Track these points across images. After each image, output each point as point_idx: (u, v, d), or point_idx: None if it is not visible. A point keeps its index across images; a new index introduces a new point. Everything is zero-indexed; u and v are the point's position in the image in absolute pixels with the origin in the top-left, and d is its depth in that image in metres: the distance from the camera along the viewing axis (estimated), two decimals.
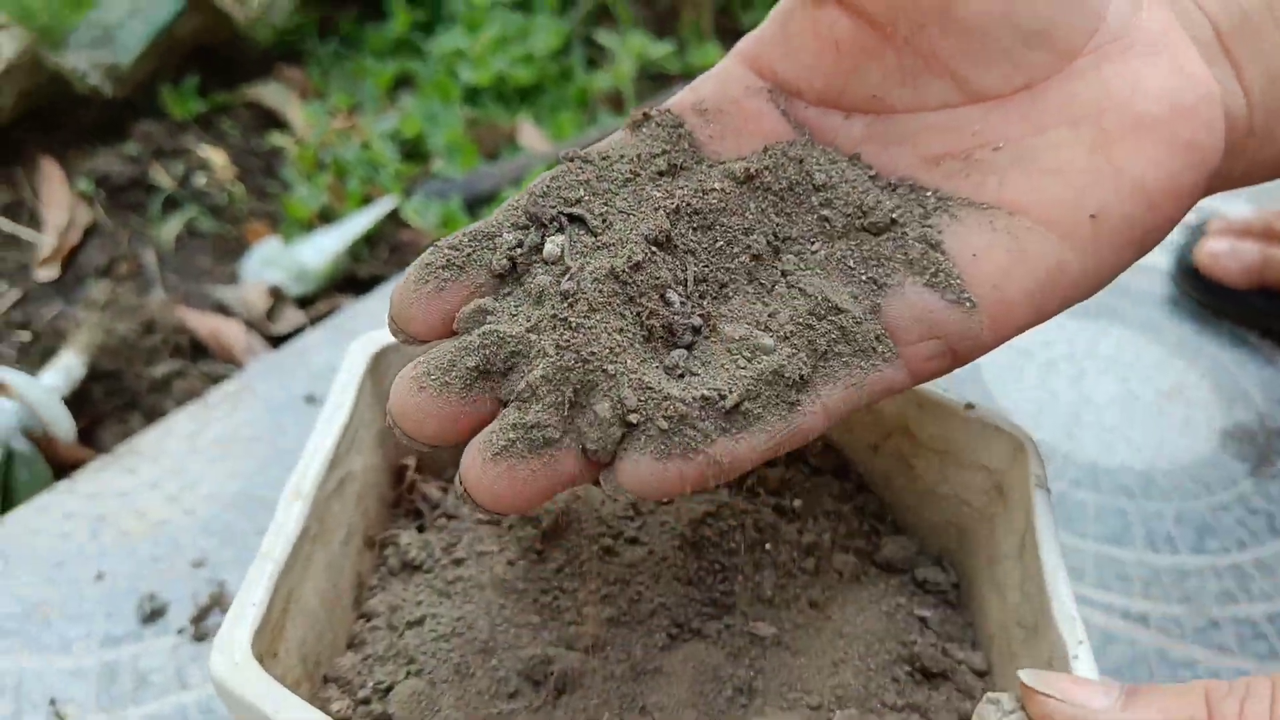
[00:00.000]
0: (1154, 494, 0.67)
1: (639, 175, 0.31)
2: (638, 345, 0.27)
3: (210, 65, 1.20)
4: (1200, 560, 0.63)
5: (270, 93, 1.21)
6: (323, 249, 0.95)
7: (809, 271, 0.30)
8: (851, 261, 0.30)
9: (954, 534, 0.38)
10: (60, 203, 1.03)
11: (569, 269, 0.27)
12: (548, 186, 0.30)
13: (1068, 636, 0.30)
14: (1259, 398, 0.74)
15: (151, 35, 1.13)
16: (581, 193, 0.30)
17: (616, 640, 0.32)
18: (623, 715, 0.31)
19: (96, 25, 1.14)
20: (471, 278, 0.28)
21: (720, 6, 1.38)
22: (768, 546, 0.36)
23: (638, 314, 0.27)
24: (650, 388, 0.26)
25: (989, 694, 0.28)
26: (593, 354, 0.26)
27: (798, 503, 0.38)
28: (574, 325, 0.26)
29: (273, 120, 1.21)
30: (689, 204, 0.30)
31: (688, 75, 1.24)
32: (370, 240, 1.01)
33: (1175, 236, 0.82)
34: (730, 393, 0.26)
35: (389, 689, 0.32)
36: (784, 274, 0.30)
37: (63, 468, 0.73)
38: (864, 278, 0.30)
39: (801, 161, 0.31)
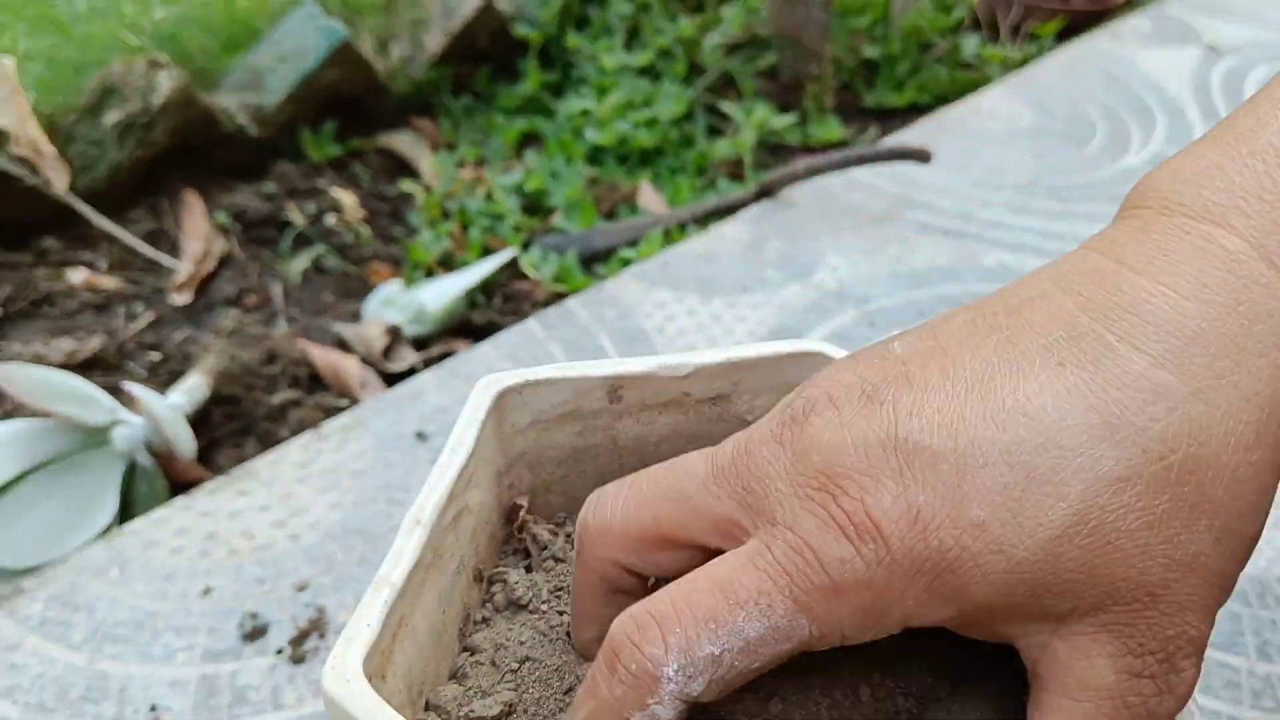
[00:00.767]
0: (1269, 602, 0.64)
1: None
2: None
3: (349, 112, 1.26)
4: None
5: (403, 141, 1.26)
6: (442, 293, 0.98)
7: None
8: None
9: None
10: (199, 233, 1.08)
11: None
12: None
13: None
14: None
15: (297, 81, 1.18)
16: None
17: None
18: None
19: (248, 69, 1.20)
20: None
21: (843, 83, 1.39)
22: None
23: None
24: None
25: None
26: None
27: None
28: None
29: (403, 168, 1.25)
30: None
31: (807, 147, 1.25)
32: (487, 288, 1.03)
33: None
34: None
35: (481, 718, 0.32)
36: None
37: (179, 484, 0.76)
38: None
39: None
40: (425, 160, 1.23)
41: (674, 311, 0.87)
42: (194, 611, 0.60)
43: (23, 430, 0.74)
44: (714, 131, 1.29)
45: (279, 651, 0.58)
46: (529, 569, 0.39)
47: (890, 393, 0.27)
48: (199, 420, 0.83)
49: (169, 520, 0.66)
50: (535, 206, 1.17)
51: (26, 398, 0.73)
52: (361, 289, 1.05)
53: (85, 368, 0.89)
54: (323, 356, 0.91)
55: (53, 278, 1.00)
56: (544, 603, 0.36)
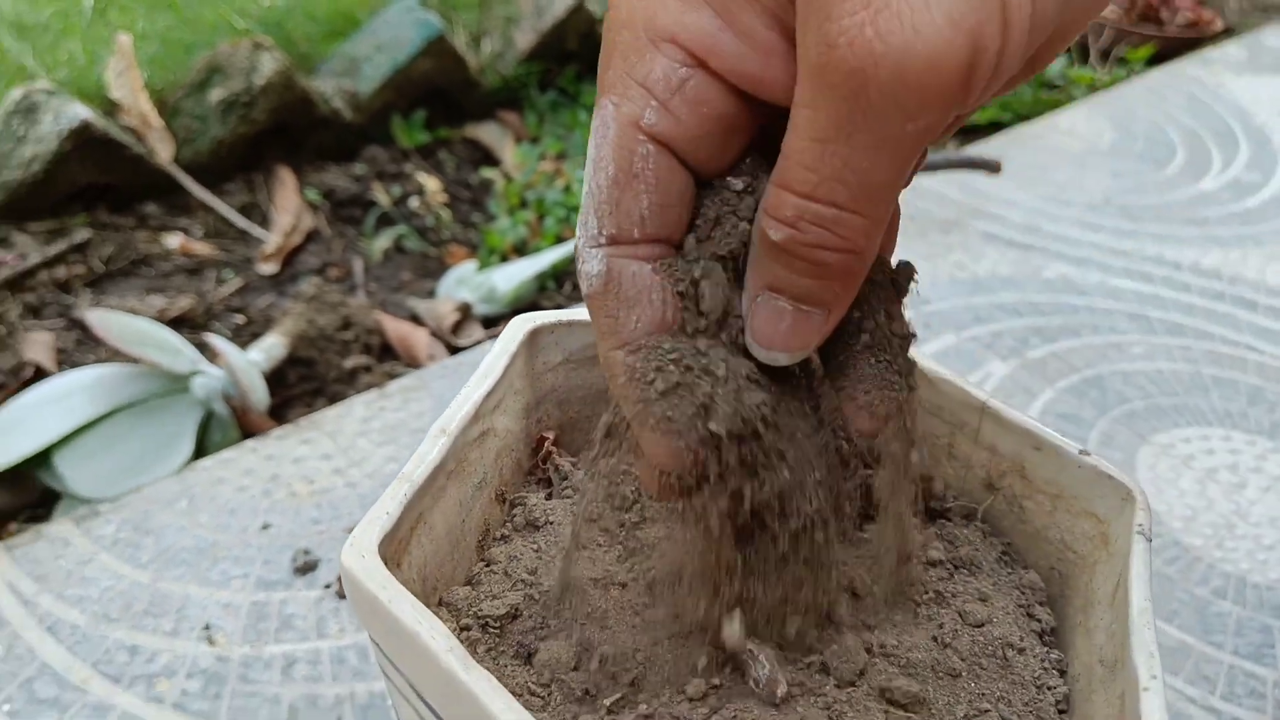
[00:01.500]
0: None
1: None
2: None
3: (439, 102, 1.31)
4: None
5: (488, 132, 1.30)
6: (513, 276, 1.01)
7: None
8: None
9: (1057, 579, 0.38)
10: (289, 208, 1.13)
11: None
12: None
13: (1142, 670, 0.30)
14: None
15: (391, 70, 1.23)
16: None
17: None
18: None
19: (346, 57, 1.25)
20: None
21: None
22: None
23: None
24: None
25: None
26: None
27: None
28: None
29: (487, 157, 1.29)
30: None
31: None
32: (558, 275, 1.07)
33: None
34: None
35: (490, 619, 0.35)
36: None
37: (251, 435, 0.80)
38: None
39: None
40: (509, 151, 1.27)
41: None
42: (252, 544, 0.64)
43: (111, 373, 0.79)
44: None
45: (326, 586, 0.62)
46: (549, 496, 0.41)
47: None
48: (275, 378, 0.88)
49: (237, 461, 0.70)
50: None
51: (117, 342, 0.78)
52: (439, 269, 1.09)
53: (174, 324, 0.95)
54: (395, 327, 0.95)
55: (151, 241, 1.07)
56: (559, 525, 0.39)
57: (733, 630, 0.32)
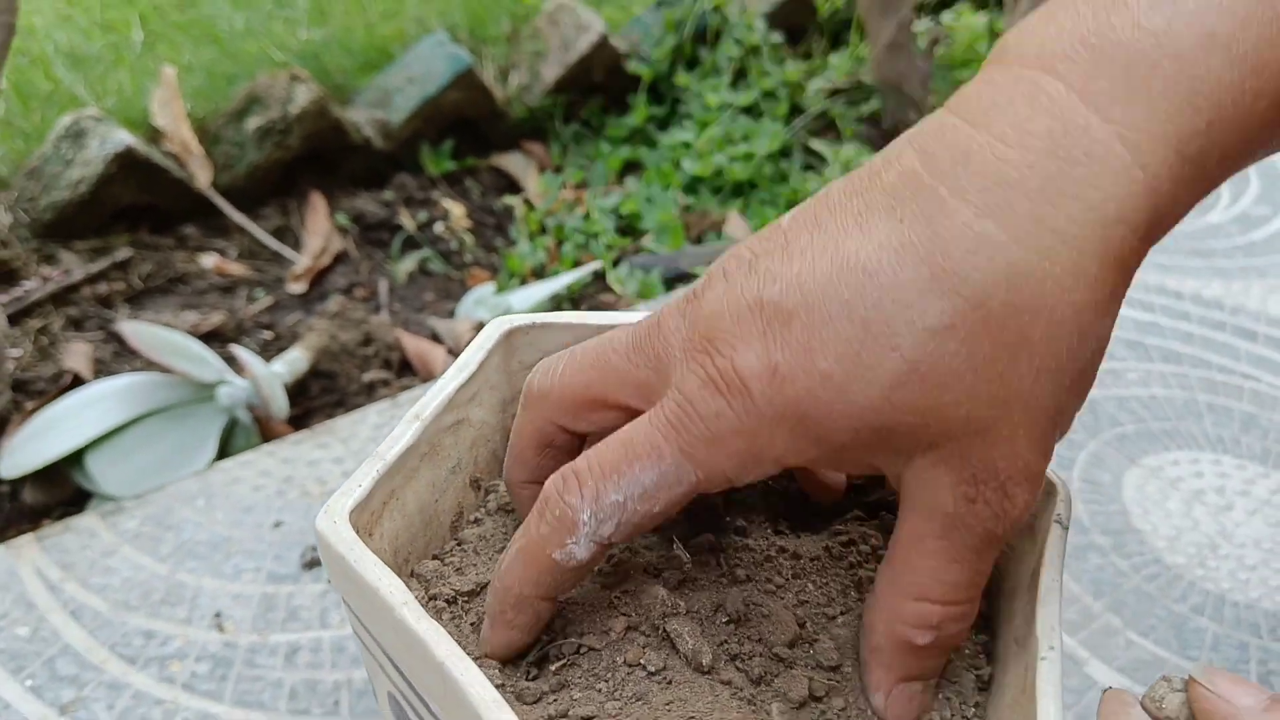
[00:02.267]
0: None
1: None
2: None
3: (467, 132, 1.36)
4: None
5: (514, 162, 1.35)
6: (529, 297, 1.05)
7: None
8: None
9: (994, 572, 0.41)
10: (320, 231, 1.18)
11: None
12: None
13: (1043, 642, 0.32)
14: None
15: (421, 101, 1.29)
16: None
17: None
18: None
19: (379, 88, 1.31)
20: None
21: None
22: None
23: None
24: None
25: (1164, 675, 0.33)
26: None
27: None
28: None
29: (512, 186, 1.34)
30: None
31: None
32: (574, 297, 1.10)
33: None
34: None
35: (458, 592, 0.38)
36: None
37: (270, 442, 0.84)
38: None
39: None
40: (532, 180, 1.32)
41: None
42: (264, 540, 0.68)
43: (141, 381, 0.84)
44: (810, 169, 1.34)
45: (330, 581, 0.65)
46: None
47: (765, 261, 0.31)
48: (298, 390, 0.92)
49: (254, 463, 0.74)
50: (629, 228, 1.24)
51: (149, 352, 0.83)
52: (460, 291, 1.14)
53: (206, 338, 0.99)
54: (414, 344, 0.99)
55: (188, 260, 1.12)
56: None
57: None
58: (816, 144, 1.32)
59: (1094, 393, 0.86)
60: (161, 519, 0.69)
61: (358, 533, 0.34)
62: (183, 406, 0.84)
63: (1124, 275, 0.30)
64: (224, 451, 0.82)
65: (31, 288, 1.02)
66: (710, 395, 0.30)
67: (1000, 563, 0.41)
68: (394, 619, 0.31)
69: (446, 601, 0.38)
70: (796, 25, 1.58)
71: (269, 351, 1.00)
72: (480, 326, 1.01)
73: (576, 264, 1.16)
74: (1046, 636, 0.33)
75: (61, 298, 1.03)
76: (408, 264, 1.16)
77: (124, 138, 1.08)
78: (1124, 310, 0.97)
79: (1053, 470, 0.39)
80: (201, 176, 1.16)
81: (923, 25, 1.52)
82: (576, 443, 0.37)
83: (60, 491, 0.81)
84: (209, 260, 1.12)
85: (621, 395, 0.33)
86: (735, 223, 1.21)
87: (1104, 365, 0.88)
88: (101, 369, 0.94)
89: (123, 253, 1.09)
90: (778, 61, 1.47)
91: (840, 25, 1.59)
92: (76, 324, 1.00)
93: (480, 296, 1.07)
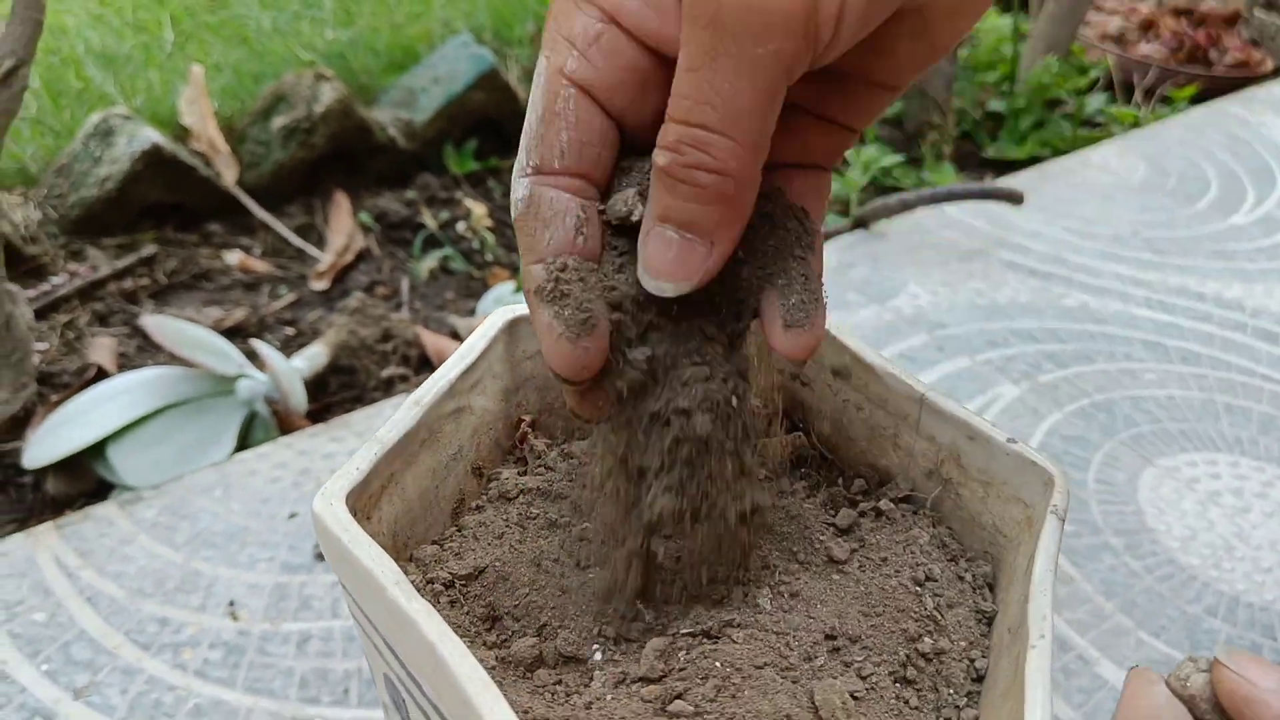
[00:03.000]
0: None
1: None
2: None
3: (490, 132, 1.36)
4: None
5: None
6: None
7: None
8: None
9: (991, 563, 0.41)
10: (343, 229, 1.19)
11: None
12: None
13: (1034, 630, 0.32)
14: None
15: (445, 101, 1.30)
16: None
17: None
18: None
19: (403, 88, 1.32)
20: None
21: (964, 133, 1.42)
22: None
23: None
24: None
25: (1190, 655, 0.34)
26: None
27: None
28: None
29: None
30: None
31: (919, 189, 1.29)
32: None
33: None
34: None
35: (455, 576, 0.38)
36: None
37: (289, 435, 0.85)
38: None
39: None
40: None
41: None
42: (278, 531, 0.69)
43: (163, 374, 0.85)
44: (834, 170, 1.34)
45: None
46: (523, 473, 0.45)
47: None
48: (318, 385, 0.93)
49: (271, 455, 0.75)
50: None
51: (171, 345, 0.84)
52: (481, 290, 1.14)
53: (228, 334, 1.00)
54: (433, 341, 1.00)
55: (212, 257, 1.13)
56: (527, 497, 0.43)
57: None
58: None
59: (1110, 393, 0.85)
60: (179, 509, 0.70)
61: (356, 516, 0.35)
62: (203, 400, 0.85)
63: None
64: (243, 444, 0.83)
65: (59, 283, 1.04)
66: None
67: (998, 555, 0.41)
68: (386, 599, 0.32)
69: (444, 585, 0.38)
70: None
71: (290, 347, 1.01)
72: None
73: None
74: (1038, 626, 0.33)
75: (88, 293, 1.05)
76: (429, 262, 1.17)
77: (151, 136, 1.09)
78: (1143, 311, 0.97)
79: (1052, 463, 0.39)
80: (227, 174, 1.18)
81: None
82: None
83: (82, 482, 0.82)
84: (233, 257, 1.13)
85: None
86: None
87: (1120, 365, 0.87)
88: (125, 363, 0.95)
89: (149, 249, 1.11)
90: None
91: None
92: (102, 319, 1.02)
93: (500, 295, 1.08)
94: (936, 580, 0.40)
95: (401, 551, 0.39)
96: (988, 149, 1.40)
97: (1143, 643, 0.64)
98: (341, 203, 1.22)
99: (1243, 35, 1.68)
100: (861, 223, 1.07)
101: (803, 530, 0.41)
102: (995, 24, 1.51)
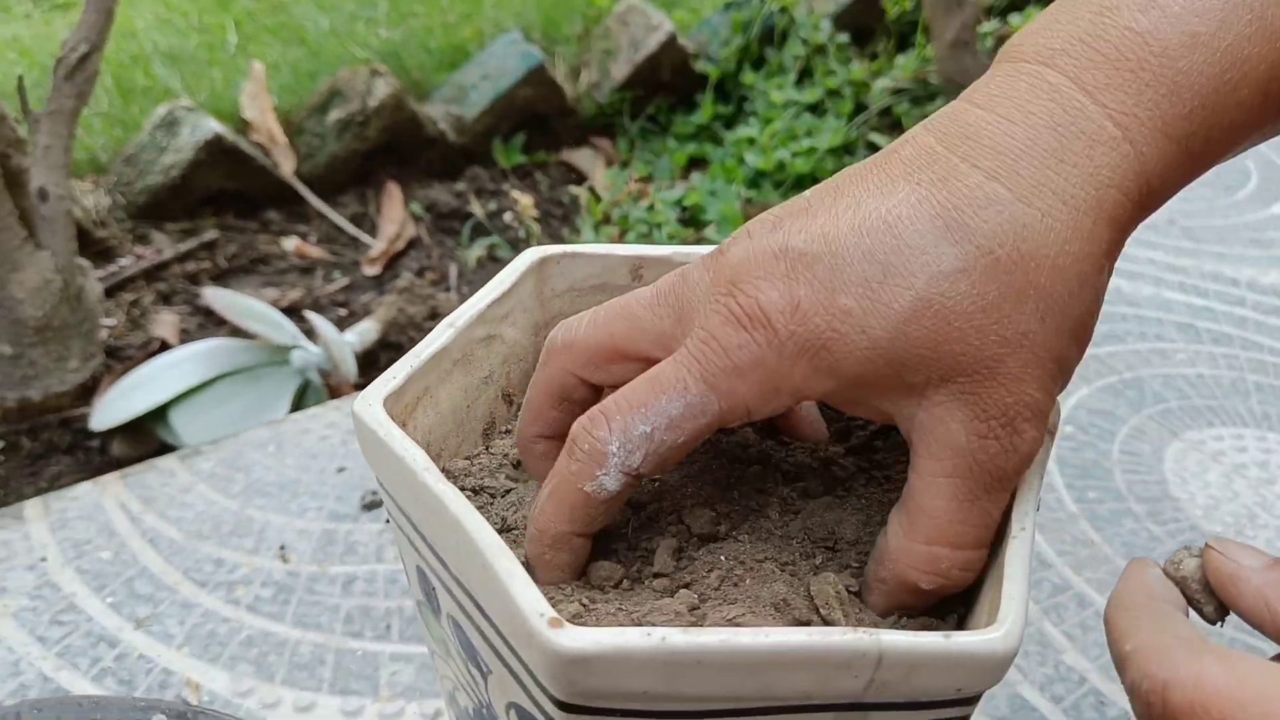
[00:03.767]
0: None
1: None
2: None
3: (538, 127, 1.40)
4: None
5: (582, 157, 1.40)
6: None
7: None
8: None
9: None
10: (395, 218, 1.23)
11: None
12: None
13: (1014, 524, 0.34)
14: None
15: (494, 97, 1.34)
16: None
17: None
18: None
19: (454, 84, 1.37)
20: None
21: None
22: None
23: None
24: None
25: (1185, 545, 0.36)
26: None
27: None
28: None
29: (580, 180, 1.38)
30: None
31: None
32: None
33: None
34: None
35: (484, 488, 0.41)
36: None
37: None
38: None
39: None
40: (599, 173, 1.36)
41: None
42: (327, 483, 0.73)
43: (222, 345, 0.90)
44: None
45: (387, 521, 0.70)
46: None
47: (789, 220, 0.34)
48: (367, 361, 0.97)
49: (322, 416, 0.79)
50: (691, 219, 1.28)
51: (229, 314, 0.89)
52: None
53: (284, 313, 1.05)
54: None
55: (270, 243, 1.18)
56: None
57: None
58: (877, 138, 1.34)
59: (1140, 371, 0.87)
60: (234, 461, 0.74)
61: (392, 420, 0.38)
62: (259, 369, 0.89)
63: (1118, 234, 0.33)
64: (296, 412, 0.87)
65: (126, 264, 1.10)
66: (733, 329, 0.33)
67: None
68: (416, 482, 0.35)
69: (473, 491, 0.41)
70: (864, 27, 1.60)
71: (343, 327, 1.06)
72: None
73: None
74: (1019, 520, 0.35)
75: (152, 274, 1.10)
76: (477, 250, 1.21)
77: (213, 126, 1.15)
78: (1176, 295, 0.98)
79: None
80: (285, 165, 1.23)
81: (989, 25, 1.53)
82: (593, 397, 0.38)
83: (145, 445, 0.87)
84: (290, 243, 1.18)
85: (643, 345, 0.36)
86: None
87: (1151, 345, 0.89)
88: (186, 338, 1.00)
89: (210, 234, 1.16)
90: (843, 61, 1.49)
91: (908, 27, 1.61)
92: (165, 298, 1.07)
93: None
94: None
95: (435, 462, 0.42)
96: None
97: None
98: (394, 193, 1.27)
99: None
100: None
101: (811, 452, 0.44)
102: None
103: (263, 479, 0.73)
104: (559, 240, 1.25)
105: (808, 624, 0.35)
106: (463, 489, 0.41)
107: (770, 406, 0.34)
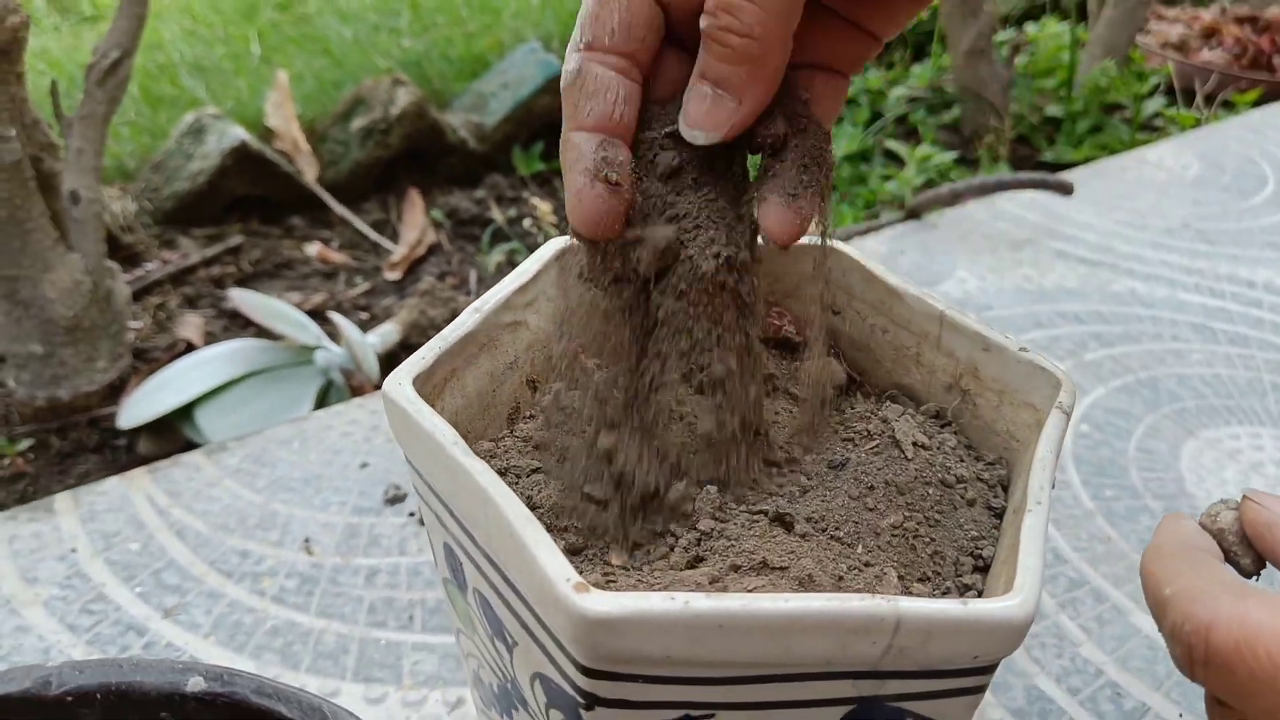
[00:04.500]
0: None
1: None
2: None
3: (556, 136, 1.42)
4: None
5: None
6: None
7: None
8: None
9: (1006, 467, 0.44)
10: (416, 224, 1.25)
11: None
12: None
13: (1031, 498, 0.35)
14: None
15: (514, 105, 1.35)
16: None
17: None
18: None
19: (475, 93, 1.38)
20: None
21: (1020, 136, 1.44)
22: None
23: None
24: None
25: (1222, 498, 0.37)
26: None
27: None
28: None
29: None
30: None
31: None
32: None
33: None
34: None
35: (509, 467, 0.42)
36: None
37: None
38: None
39: None
40: None
41: None
42: (351, 478, 0.74)
43: (247, 345, 0.91)
44: (888, 180, 1.37)
45: (410, 514, 0.71)
46: (572, 388, 0.49)
47: None
48: (388, 361, 0.98)
49: (345, 413, 0.80)
50: None
51: (254, 315, 0.90)
52: None
53: (307, 315, 1.06)
54: None
55: (294, 248, 1.20)
56: (575, 406, 0.46)
57: (677, 490, 0.39)
58: (894, 146, 1.35)
59: (1155, 371, 0.87)
60: (259, 457, 0.76)
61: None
62: (283, 369, 0.90)
63: None
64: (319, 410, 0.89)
65: (152, 269, 1.11)
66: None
67: (1011, 459, 0.44)
68: (445, 456, 0.36)
69: (499, 471, 0.42)
70: None
71: (364, 330, 1.07)
72: None
73: None
74: (1035, 495, 0.36)
75: (179, 278, 1.12)
76: (497, 256, 1.22)
77: (239, 133, 1.17)
78: (1192, 296, 0.98)
79: (1059, 369, 0.42)
80: (309, 172, 1.24)
81: (1005, 35, 1.54)
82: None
83: (171, 444, 0.88)
84: (313, 248, 1.20)
85: None
86: None
87: (1167, 345, 0.89)
88: (212, 340, 1.01)
89: (235, 239, 1.18)
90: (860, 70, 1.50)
91: (924, 36, 1.62)
92: (191, 302, 1.09)
93: None
94: (963, 480, 0.43)
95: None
96: (1045, 152, 1.42)
97: None
98: (415, 199, 1.29)
99: None
100: (914, 213, 1.10)
101: (834, 431, 0.45)
102: (1054, 32, 1.54)
103: (287, 474, 0.74)
104: None
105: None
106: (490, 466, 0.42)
107: None
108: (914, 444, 0.44)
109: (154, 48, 1.46)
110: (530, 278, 0.47)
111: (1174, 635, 0.31)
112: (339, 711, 0.31)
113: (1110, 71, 1.41)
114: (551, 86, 1.36)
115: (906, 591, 0.38)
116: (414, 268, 1.20)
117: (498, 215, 1.27)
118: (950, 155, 1.27)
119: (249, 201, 1.22)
